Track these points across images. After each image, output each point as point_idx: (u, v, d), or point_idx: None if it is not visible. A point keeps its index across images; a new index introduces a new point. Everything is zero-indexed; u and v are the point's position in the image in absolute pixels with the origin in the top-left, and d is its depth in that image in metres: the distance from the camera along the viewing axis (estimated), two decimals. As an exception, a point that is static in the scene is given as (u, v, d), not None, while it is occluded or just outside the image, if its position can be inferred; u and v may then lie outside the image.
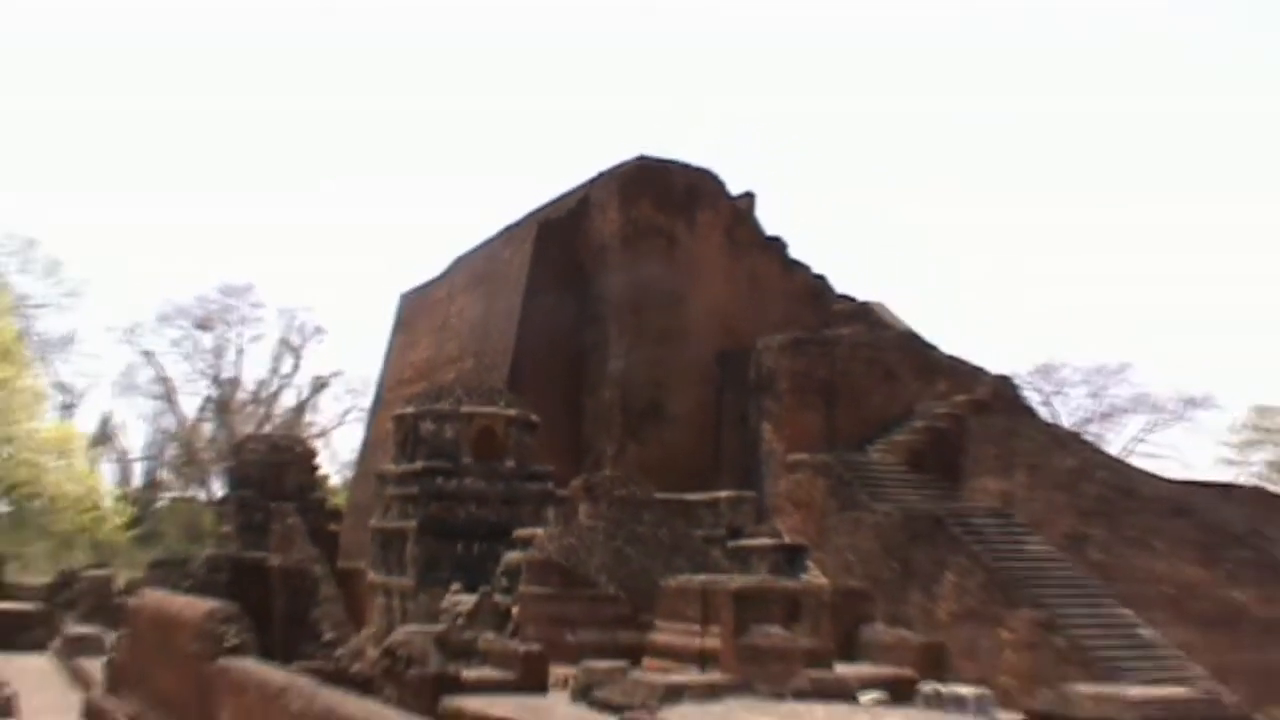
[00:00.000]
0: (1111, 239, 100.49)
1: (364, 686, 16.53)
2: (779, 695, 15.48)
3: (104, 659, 25.46)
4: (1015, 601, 27.27)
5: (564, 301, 42.85)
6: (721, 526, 31.67)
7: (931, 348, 41.25)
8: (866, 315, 44.04)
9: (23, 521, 66.73)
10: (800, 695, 15.77)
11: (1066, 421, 61.51)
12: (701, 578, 22.30)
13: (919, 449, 36.06)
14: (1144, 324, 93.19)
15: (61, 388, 75.13)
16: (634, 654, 21.27)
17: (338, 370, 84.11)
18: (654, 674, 18.14)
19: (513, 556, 26.49)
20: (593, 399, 41.75)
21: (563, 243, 43.60)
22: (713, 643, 20.64)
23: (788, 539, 30.32)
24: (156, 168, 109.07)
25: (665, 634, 21.71)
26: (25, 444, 48.06)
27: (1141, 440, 63.89)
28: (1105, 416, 64.50)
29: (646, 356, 40.86)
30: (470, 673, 18.45)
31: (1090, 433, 60.69)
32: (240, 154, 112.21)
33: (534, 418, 34.60)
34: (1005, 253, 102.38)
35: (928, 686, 18.68)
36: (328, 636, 22.35)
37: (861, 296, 45.96)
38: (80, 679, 28.55)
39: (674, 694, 14.97)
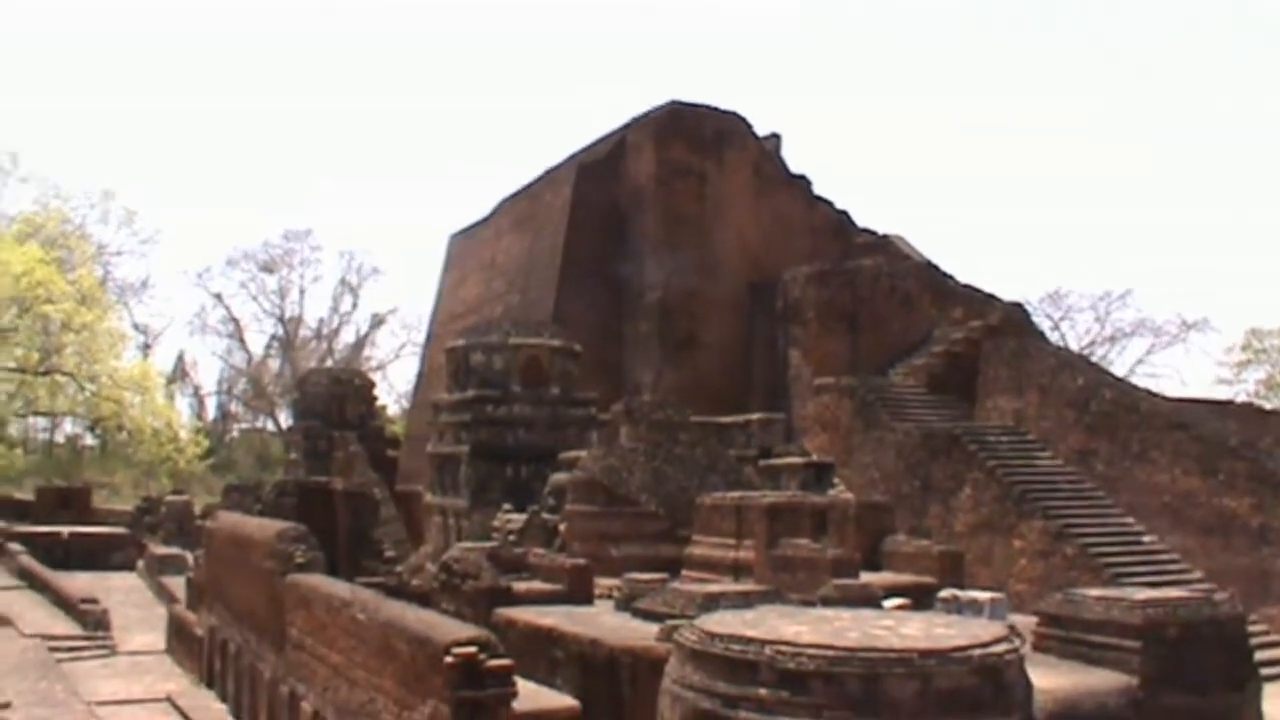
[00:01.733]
0: (1120, 172, 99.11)
1: (423, 599, 16.65)
2: (808, 602, 15.49)
3: (185, 576, 25.70)
4: (1028, 513, 27.22)
5: (603, 238, 42.71)
6: (753, 446, 31.61)
7: (948, 277, 40.99)
8: (886, 247, 43.77)
9: (109, 453, 67.61)
10: (828, 602, 15.77)
11: (1074, 345, 61.11)
12: (735, 494, 22.30)
13: (937, 372, 35.93)
14: (1146, 252, 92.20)
15: (139, 329, 75.81)
16: (673, 566, 21.32)
17: (393, 308, 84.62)
18: (692, 584, 18.18)
19: (559, 477, 26.56)
20: (632, 329, 41.74)
21: (601, 184, 43.41)
22: (746, 554, 20.67)
23: (815, 457, 30.22)
24: (221, 121, 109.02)
25: (702, 547, 21.77)
26: (108, 382, 48.52)
27: (1143, 362, 63.51)
28: (1110, 339, 64.08)
29: (681, 289, 40.80)
30: (521, 585, 18.52)
31: (1096, 355, 60.30)
32: (295, 107, 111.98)
33: (577, 347, 34.59)
34: (1018, 184, 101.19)
35: (946, 592, 18.62)
36: (389, 554, 22.51)
37: (881, 230, 45.72)
38: (165, 595, 28.96)
39: (711, 602, 14.97)
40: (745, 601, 14.55)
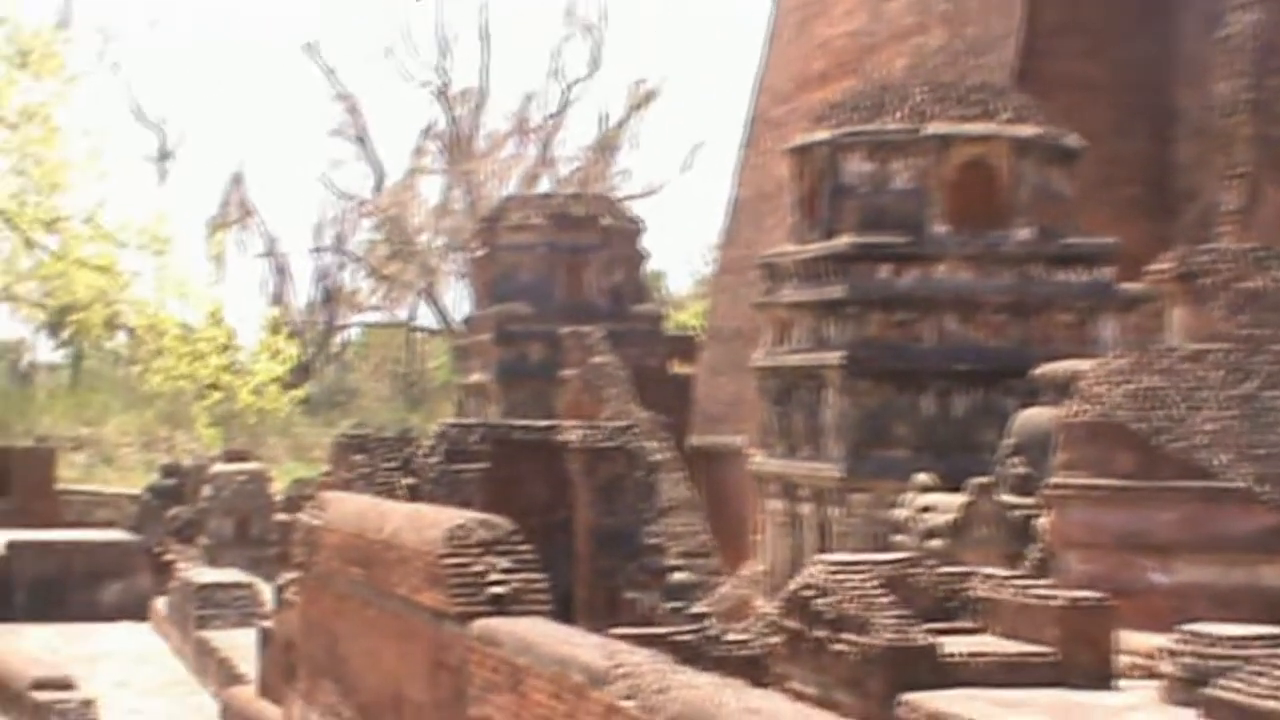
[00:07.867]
0: None
1: (751, 669, 16.82)
2: None
3: (258, 628, 26.61)
4: None
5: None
6: None
7: None
8: None
9: (89, 378, 69.37)
10: None
11: None
12: None
13: None
14: None
15: (144, 120, 78.18)
16: (1294, 608, 21.07)
17: (666, 75, 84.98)
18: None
19: (1034, 416, 26.53)
20: (1190, 102, 41.13)
21: None
22: None
23: None
24: None
25: (1361, 568, 21.44)
26: (81, 229, 48.16)
27: None
28: None
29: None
30: (959, 644, 18.57)
31: None
32: None
33: (1071, 141, 34.23)
34: None
35: None
36: (678, 577, 22.89)
37: None
38: (213, 666, 30.04)
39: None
40: None
